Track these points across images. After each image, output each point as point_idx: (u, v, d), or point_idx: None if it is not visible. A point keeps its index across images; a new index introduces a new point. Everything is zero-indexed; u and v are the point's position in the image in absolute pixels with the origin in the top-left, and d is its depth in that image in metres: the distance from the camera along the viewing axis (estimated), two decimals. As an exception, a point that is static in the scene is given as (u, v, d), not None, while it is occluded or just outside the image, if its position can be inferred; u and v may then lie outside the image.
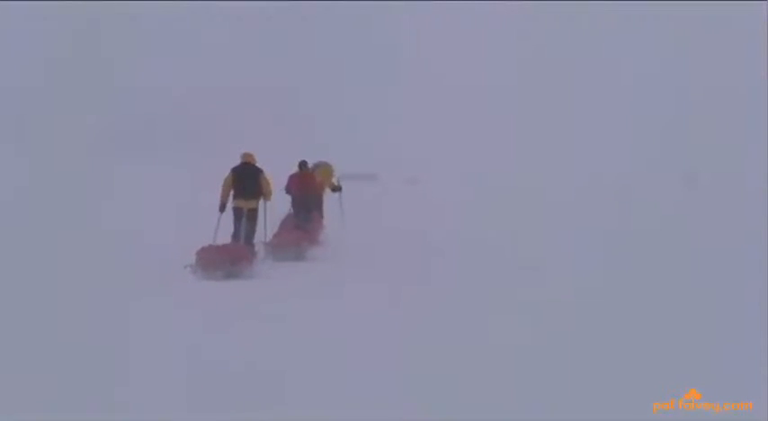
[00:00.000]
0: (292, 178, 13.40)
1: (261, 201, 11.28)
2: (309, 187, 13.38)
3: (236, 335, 7.13)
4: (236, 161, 11.38)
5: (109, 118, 30.92)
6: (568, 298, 8.96)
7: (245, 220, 11.03)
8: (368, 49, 35.36)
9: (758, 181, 24.64)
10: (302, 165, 13.55)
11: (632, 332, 7.36)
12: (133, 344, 6.81)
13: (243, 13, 36.00)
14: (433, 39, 34.92)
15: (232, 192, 11.08)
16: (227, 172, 11.20)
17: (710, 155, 27.08)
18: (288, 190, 13.33)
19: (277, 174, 11.98)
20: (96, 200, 18.12)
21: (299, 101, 31.47)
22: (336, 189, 14.62)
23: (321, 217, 13.97)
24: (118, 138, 29.35)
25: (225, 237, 10.94)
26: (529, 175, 23.61)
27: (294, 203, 13.32)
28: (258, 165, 11.32)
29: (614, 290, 9.37)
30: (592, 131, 30.72)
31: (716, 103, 32.39)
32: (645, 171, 27.58)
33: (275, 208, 12.04)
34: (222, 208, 11.01)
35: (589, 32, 35.76)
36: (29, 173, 22.23)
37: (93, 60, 32.90)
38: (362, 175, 15.88)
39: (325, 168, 14.64)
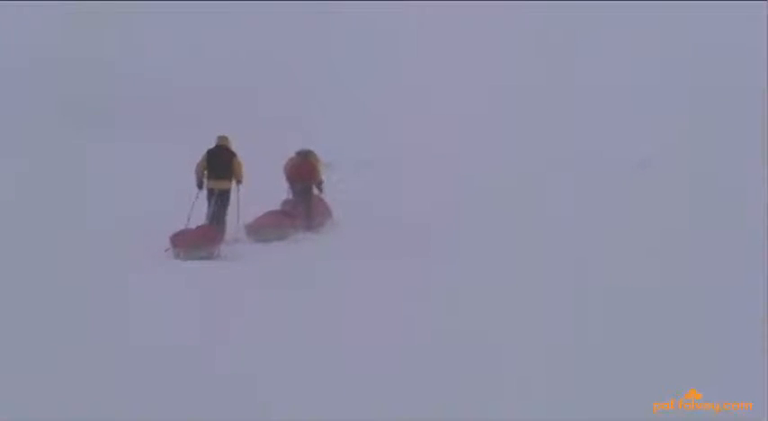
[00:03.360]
0: (290, 165, 13.17)
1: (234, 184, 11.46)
2: (307, 174, 13.26)
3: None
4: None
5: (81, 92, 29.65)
6: (567, 297, 8.92)
7: (215, 201, 11.24)
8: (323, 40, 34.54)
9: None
10: (299, 153, 13.51)
11: (633, 332, 7.35)
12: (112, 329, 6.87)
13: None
14: (386, 26, 34.22)
15: (206, 174, 11.36)
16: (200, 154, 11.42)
17: (711, 155, 26.97)
18: (288, 175, 13.03)
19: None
20: (69, 176, 17.81)
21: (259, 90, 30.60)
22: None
23: (321, 200, 13.66)
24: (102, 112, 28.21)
25: (200, 218, 11.02)
26: (490, 157, 22.75)
27: (292, 189, 13.19)
28: (232, 148, 11.53)
29: (613, 289, 9.32)
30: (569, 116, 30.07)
31: (715, 103, 32.32)
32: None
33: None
34: (200, 186, 11.36)
35: (579, 29, 35.53)
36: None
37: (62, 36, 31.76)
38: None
39: (314, 157, 14.35)
